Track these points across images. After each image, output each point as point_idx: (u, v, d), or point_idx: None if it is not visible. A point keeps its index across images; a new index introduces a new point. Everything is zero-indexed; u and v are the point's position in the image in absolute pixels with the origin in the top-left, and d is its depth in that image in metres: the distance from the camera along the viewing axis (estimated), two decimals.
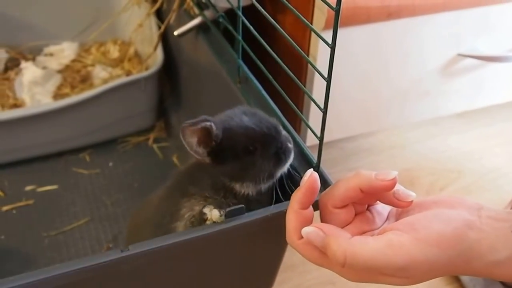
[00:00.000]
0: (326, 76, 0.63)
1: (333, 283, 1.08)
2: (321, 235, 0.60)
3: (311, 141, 1.08)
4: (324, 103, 0.66)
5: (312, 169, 0.66)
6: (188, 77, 1.24)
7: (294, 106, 0.77)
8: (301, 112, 1.08)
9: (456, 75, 1.19)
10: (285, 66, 0.75)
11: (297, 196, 0.65)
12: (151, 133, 1.34)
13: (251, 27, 0.83)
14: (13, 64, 1.44)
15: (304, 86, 1.04)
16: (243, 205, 0.70)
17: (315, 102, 0.68)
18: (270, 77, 0.81)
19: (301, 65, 1.05)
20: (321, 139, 0.69)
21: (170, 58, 1.29)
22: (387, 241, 0.56)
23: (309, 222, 0.64)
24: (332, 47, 0.60)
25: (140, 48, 1.45)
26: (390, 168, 1.30)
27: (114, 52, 1.49)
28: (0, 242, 1.08)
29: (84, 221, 1.12)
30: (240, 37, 0.88)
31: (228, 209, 0.69)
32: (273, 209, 0.70)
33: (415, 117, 1.27)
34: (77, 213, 1.14)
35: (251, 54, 0.86)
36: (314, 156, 0.76)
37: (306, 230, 0.61)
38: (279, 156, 0.73)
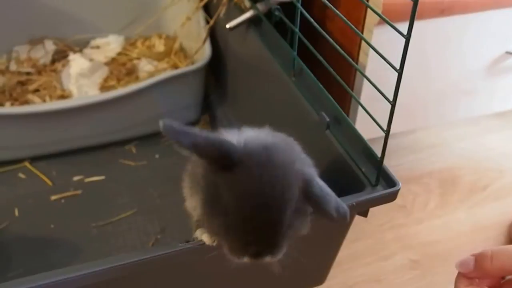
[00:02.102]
0: (398, 68, 0.60)
1: (378, 280, 1.05)
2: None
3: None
4: (394, 95, 0.63)
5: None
6: (236, 71, 1.21)
7: (356, 96, 0.74)
8: (349, 106, 1.05)
9: (501, 73, 1.15)
10: (349, 59, 0.72)
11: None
12: (196, 126, 1.32)
13: (311, 19, 0.80)
14: (60, 56, 1.44)
15: (355, 79, 1.01)
16: None
17: (383, 95, 0.65)
18: (331, 69, 0.78)
19: (352, 59, 1.02)
20: (387, 132, 0.66)
21: (217, 52, 1.27)
22: None
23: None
24: (407, 38, 0.58)
25: (185, 43, 1.43)
26: (431, 166, 1.28)
27: (159, 46, 1.47)
28: (49, 231, 1.07)
29: (131, 213, 1.10)
30: (297, 29, 0.86)
31: None
32: None
33: (455, 116, 1.24)
34: (124, 204, 1.12)
35: (309, 46, 0.83)
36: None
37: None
38: None
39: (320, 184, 0.62)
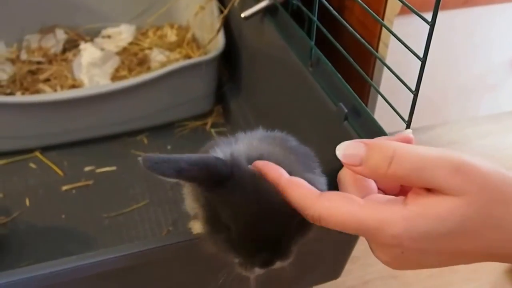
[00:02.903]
0: (421, 56, 0.60)
1: (394, 277, 1.05)
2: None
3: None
4: (416, 84, 0.63)
5: None
6: (250, 61, 1.21)
7: (375, 86, 0.73)
8: (368, 98, 1.05)
9: None
10: (369, 47, 0.72)
11: None
12: (209, 118, 1.32)
13: (330, 7, 0.80)
14: (71, 45, 1.44)
15: (373, 70, 1.01)
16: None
17: (405, 84, 0.65)
18: (350, 59, 0.78)
19: (371, 44, 1.01)
20: (408, 123, 0.66)
21: (230, 42, 1.27)
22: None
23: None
24: (432, 24, 0.57)
25: (198, 33, 1.43)
26: None
27: (171, 36, 1.47)
28: (60, 221, 1.07)
29: (143, 204, 1.11)
30: (315, 18, 0.85)
31: None
32: None
33: (477, 112, 1.23)
34: (136, 196, 1.12)
35: (328, 35, 0.83)
36: None
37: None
38: None
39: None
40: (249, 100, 1.24)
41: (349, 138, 0.77)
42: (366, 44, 0.73)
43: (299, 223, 0.56)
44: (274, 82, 1.08)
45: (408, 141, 0.53)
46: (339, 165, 0.69)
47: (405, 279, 1.04)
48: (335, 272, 0.88)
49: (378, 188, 0.54)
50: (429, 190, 0.47)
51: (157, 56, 1.40)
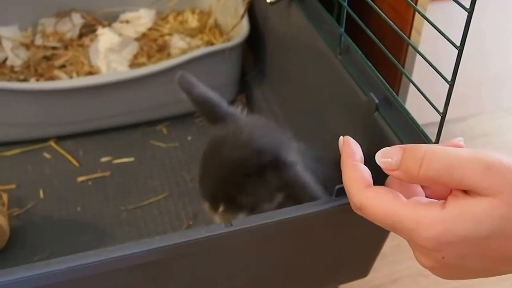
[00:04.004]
0: (458, 44, 0.60)
1: (425, 275, 1.05)
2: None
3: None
4: (453, 75, 0.63)
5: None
6: (275, 48, 1.22)
7: (407, 75, 0.74)
8: (399, 89, 1.05)
9: None
10: (401, 33, 0.72)
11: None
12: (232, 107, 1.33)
13: None
14: (88, 30, 1.45)
15: (405, 59, 1.01)
16: None
17: (440, 73, 0.65)
18: (382, 46, 0.78)
19: (402, 30, 1.01)
20: (443, 114, 0.66)
21: (255, 28, 1.27)
22: None
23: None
24: (470, 11, 0.57)
25: (221, 18, 1.44)
26: None
27: (192, 21, 1.48)
28: (76, 213, 1.09)
29: (163, 196, 1.12)
30: (345, 4, 0.86)
31: (338, 187, 0.67)
32: None
33: (510, 102, 1.22)
34: (155, 188, 1.13)
35: (358, 21, 0.83)
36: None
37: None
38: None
39: (299, 172, 0.69)
40: (274, 89, 1.25)
41: (380, 129, 0.79)
42: (399, 30, 0.73)
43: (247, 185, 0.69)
44: (300, 70, 1.08)
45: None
46: (370, 158, 0.70)
47: (436, 277, 1.03)
48: (364, 269, 0.88)
49: (428, 197, 0.56)
50: (467, 192, 0.48)
51: (177, 42, 1.41)
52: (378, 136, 0.80)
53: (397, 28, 0.73)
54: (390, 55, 0.77)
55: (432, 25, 0.65)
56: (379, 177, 0.59)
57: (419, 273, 1.05)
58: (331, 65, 0.92)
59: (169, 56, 1.39)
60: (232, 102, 1.33)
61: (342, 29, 0.89)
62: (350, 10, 0.85)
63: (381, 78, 0.81)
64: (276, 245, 0.74)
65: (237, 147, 0.69)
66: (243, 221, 0.65)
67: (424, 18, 0.66)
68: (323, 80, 0.98)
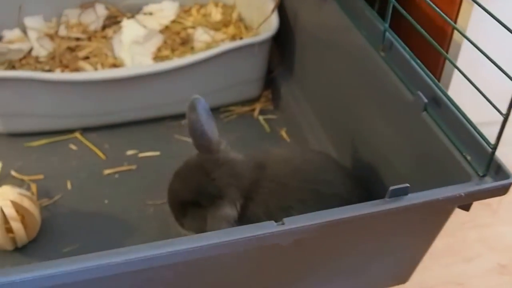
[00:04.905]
0: None
1: (460, 284, 1.01)
2: None
3: None
4: None
5: None
6: (306, 43, 1.19)
7: (465, 74, 0.71)
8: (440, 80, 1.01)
9: None
10: (448, 18, 0.69)
11: None
12: (257, 103, 1.30)
13: None
14: (111, 21, 1.42)
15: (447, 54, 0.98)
16: (407, 184, 0.65)
17: (505, 73, 0.62)
18: (434, 42, 0.75)
19: (444, 32, 0.98)
20: (506, 116, 0.63)
21: (283, 22, 1.24)
22: None
23: None
24: None
25: (245, 13, 1.41)
26: None
27: (216, 15, 1.45)
28: (103, 206, 1.06)
29: None
30: None
31: (392, 188, 0.64)
32: (442, 192, 0.65)
33: None
34: None
35: (407, 16, 0.80)
36: None
37: None
38: None
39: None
40: (304, 86, 1.22)
41: (428, 130, 0.76)
42: (446, 17, 0.70)
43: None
44: (335, 67, 1.05)
45: None
46: (416, 159, 0.67)
47: (471, 286, 1.01)
48: (404, 276, 0.86)
49: None
50: None
51: (201, 35, 1.38)
52: (426, 137, 0.78)
53: (444, 15, 0.70)
54: (443, 51, 0.74)
55: (482, 8, 0.62)
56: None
57: (453, 282, 1.01)
58: (373, 63, 0.90)
59: (192, 49, 1.36)
60: (257, 98, 1.30)
61: (387, 25, 0.86)
62: (396, 4, 0.83)
63: (432, 76, 0.78)
64: (322, 246, 0.72)
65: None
66: (294, 220, 0.62)
67: (477, 3, 0.63)
68: (362, 78, 0.95)
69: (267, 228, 0.61)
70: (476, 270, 1.02)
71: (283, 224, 0.62)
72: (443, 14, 0.73)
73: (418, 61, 0.81)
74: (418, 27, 0.79)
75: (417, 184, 0.68)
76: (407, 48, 0.84)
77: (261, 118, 1.27)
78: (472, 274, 1.02)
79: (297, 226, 0.62)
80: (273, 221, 0.62)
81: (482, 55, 0.67)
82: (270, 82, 1.32)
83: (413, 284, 1.01)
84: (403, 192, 0.65)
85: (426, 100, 0.77)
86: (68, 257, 0.58)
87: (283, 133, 1.23)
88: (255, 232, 0.60)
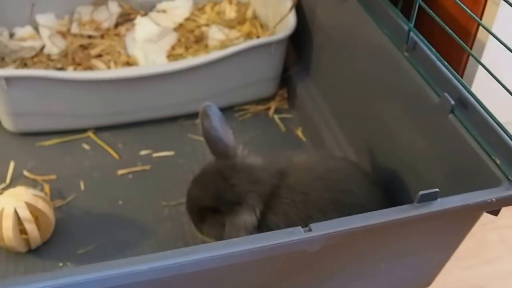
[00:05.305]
0: None
1: (481, 286, 1.00)
2: None
3: None
4: None
5: None
6: (323, 42, 1.17)
7: (493, 74, 0.69)
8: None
9: None
10: (473, 15, 0.67)
11: None
12: (272, 102, 1.28)
13: None
14: (124, 19, 1.41)
15: (468, 58, 0.96)
16: (437, 189, 0.63)
17: None
18: (462, 42, 0.73)
19: (468, 32, 0.96)
20: None
21: (300, 20, 1.22)
22: None
23: None
24: None
25: (260, 11, 1.39)
26: None
27: (230, 12, 1.43)
28: (117, 207, 1.05)
29: None
30: None
31: (421, 193, 0.62)
32: (472, 197, 0.63)
33: None
34: None
35: (435, 16, 0.78)
36: None
37: None
38: None
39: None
40: (320, 85, 1.20)
41: (456, 133, 0.74)
42: (472, 14, 0.68)
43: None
44: (356, 67, 1.03)
45: None
46: (442, 163, 0.65)
47: None
48: (429, 278, 0.84)
49: None
50: None
51: (215, 33, 1.36)
52: (453, 141, 0.76)
53: (472, 14, 0.68)
54: (470, 51, 0.72)
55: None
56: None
57: (474, 285, 1.00)
58: (396, 63, 0.88)
59: (206, 47, 1.34)
60: (272, 97, 1.28)
61: (411, 25, 0.84)
62: (423, 4, 0.81)
63: (459, 77, 0.76)
64: (347, 251, 0.70)
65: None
66: (321, 226, 0.60)
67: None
68: (384, 79, 0.93)
69: (295, 234, 0.59)
70: (497, 272, 1.01)
71: (310, 230, 0.60)
72: (469, 11, 0.72)
73: (444, 62, 0.79)
74: (444, 25, 0.77)
75: (443, 189, 0.66)
76: (433, 48, 0.82)
77: (276, 117, 1.25)
78: (492, 277, 1.00)
79: (324, 232, 0.60)
80: (300, 227, 0.60)
81: (506, 55, 0.65)
82: (285, 80, 1.31)
83: (432, 286, 0.99)
84: (433, 197, 0.63)
85: (453, 102, 0.75)
86: (95, 264, 0.55)
87: (299, 132, 1.21)
88: (283, 239, 0.58)
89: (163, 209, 1.05)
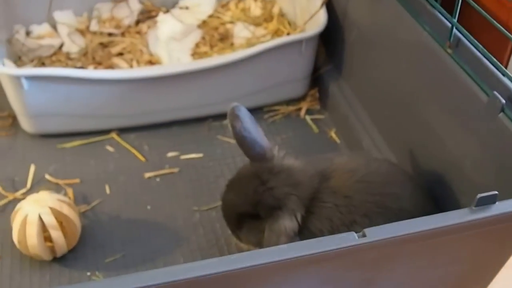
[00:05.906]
0: None
1: None
2: None
3: None
4: None
5: None
6: (357, 40, 1.16)
7: None
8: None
9: None
10: None
11: None
12: (303, 103, 1.28)
13: None
14: (145, 16, 1.41)
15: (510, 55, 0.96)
16: (496, 192, 0.63)
17: None
18: (506, 32, 0.73)
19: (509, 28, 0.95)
20: None
21: (331, 17, 1.21)
22: None
23: None
24: None
25: (286, 8, 1.39)
26: None
27: (255, 9, 1.43)
28: (146, 212, 1.05)
29: None
30: None
31: (480, 196, 0.62)
32: None
33: None
34: None
35: (481, 10, 0.78)
36: None
37: None
38: None
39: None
40: (354, 85, 1.19)
41: (506, 132, 0.73)
42: None
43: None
44: (394, 66, 1.02)
45: None
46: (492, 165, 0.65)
47: None
48: (482, 284, 0.83)
49: None
50: None
51: (241, 31, 1.36)
52: (504, 141, 0.75)
53: None
54: None
55: None
56: None
57: None
58: (439, 61, 0.87)
59: (232, 45, 1.34)
60: (303, 98, 1.28)
61: (455, 20, 0.84)
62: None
63: (509, 74, 0.76)
64: (398, 256, 0.70)
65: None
66: (377, 232, 0.60)
67: None
68: (425, 78, 0.92)
69: (349, 240, 0.59)
70: None
71: (364, 236, 0.60)
72: None
73: (492, 58, 0.79)
74: (491, 19, 0.76)
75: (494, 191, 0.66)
76: (479, 45, 0.81)
77: (308, 118, 1.25)
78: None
79: (380, 238, 0.60)
80: (353, 232, 0.60)
81: None
82: (316, 80, 1.30)
83: None
84: (492, 200, 0.63)
85: (503, 101, 0.75)
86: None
87: (333, 134, 1.21)
88: (338, 245, 0.58)
89: (194, 214, 1.04)
